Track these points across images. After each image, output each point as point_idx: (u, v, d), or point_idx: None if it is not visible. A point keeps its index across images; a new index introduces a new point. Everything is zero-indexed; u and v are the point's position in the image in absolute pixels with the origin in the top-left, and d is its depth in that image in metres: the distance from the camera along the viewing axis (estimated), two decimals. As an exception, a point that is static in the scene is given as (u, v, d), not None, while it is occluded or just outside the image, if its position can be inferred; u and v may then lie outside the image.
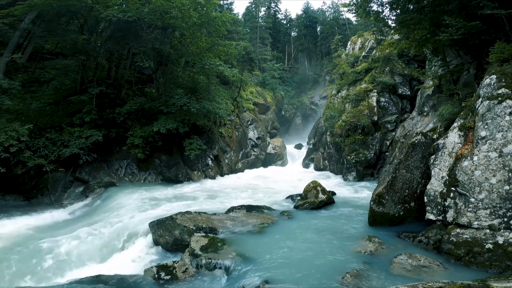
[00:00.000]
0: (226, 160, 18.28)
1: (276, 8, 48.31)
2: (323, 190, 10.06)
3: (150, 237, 7.25)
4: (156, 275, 5.41)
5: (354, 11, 11.95)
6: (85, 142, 12.19)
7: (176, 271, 5.47)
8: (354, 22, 42.46)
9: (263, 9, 45.00)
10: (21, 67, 14.15)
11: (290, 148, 26.54)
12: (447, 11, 8.86)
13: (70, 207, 10.86)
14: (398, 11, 11.01)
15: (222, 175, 17.17)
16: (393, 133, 16.33)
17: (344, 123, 16.90)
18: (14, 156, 10.60)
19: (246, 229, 7.25)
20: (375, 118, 16.67)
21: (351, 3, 11.49)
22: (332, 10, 46.95)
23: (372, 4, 11.39)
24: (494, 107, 5.88)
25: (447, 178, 6.18)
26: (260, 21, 41.70)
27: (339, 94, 20.37)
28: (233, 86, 23.33)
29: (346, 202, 10.44)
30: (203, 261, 5.61)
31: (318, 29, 47.89)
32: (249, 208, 8.91)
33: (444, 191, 6.14)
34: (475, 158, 5.80)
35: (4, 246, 7.09)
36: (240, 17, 42.08)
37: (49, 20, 13.39)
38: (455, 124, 6.95)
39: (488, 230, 5.35)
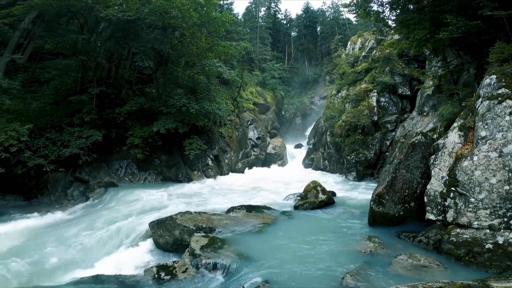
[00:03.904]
0: (226, 160, 18.27)
1: (276, 8, 48.35)
2: (323, 190, 10.06)
3: (150, 237, 7.25)
4: (156, 275, 5.41)
5: (354, 11, 11.93)
6: (85, 142, 12.19)
7: (176, 271, 5.46)
8: (354, 22, 42.47)
9: (263, 9, 45.00)
10: (21, 67, 14.14)
11: (290, 148, 26.53)
12: (447, 10, 8.86)
13: (70, 207, 10.86)
14: (398, 11, 11.01)
15: (222, 175, 17.16)
16: (393, 133, 16.33)
17: (344, 123, 16.91)
18: (14, 156, 10.60)
19: (246, 229, 7.25)
20: (375, 118, 16.67)
21: (351, 3, 11.48)
22: (332, 10, 47.00)
23: (372, 4, 11.39)
24: (494, 107, 5.88)
25: (447, 178, 6.18)
26: (260, 21, 41.68)
27: (339, 94, 20.37)
28: (233, 86, 23.33)
29: (346, 202, 10.44)
30: (203, 261, 5.61)
31: (318, 29, 47.90)
32: (249, 208, 8.92)
33: (444, 191, 6.14)
34: (475, 158, 5.80)
35: (3, 246, 7.09)
36: (240, 17, 42.12)
37: (49, 20, 13.38)
38: (455, 124, 6.95)
39: (488, 230, 5.35)
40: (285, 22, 52.00)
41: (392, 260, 5.40)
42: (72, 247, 6.99)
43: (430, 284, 3.51)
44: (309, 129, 28.29)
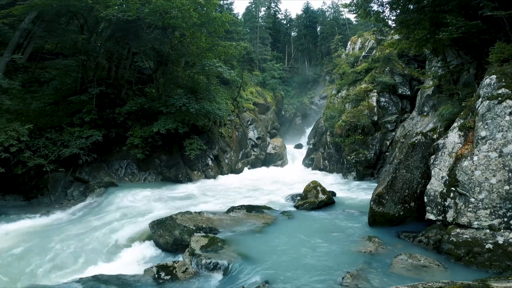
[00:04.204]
0: (226, 160, 18.27)
1: (276, 8, 48.38)
2: (323, 190, 10.06)
3: (150, 237, 7.25)
4: (156, 275, 5.41)
5: (354, 12, 11.93)
6: (85, 142, 12.19)
7: (176, 271, 5.46)
8: (354, 22, 42.48)
9: (263, 9, 45.03)
10: (21, 67, 14.14)
11: (290, 148, 26.53)
12: (447, 10, 8.86)
13: (70, 207, 10.85)
14: (398, 11, 11.01)
15: (222, 175, 17.16)
16: (393, 133, 16.33)
17: (344, 123, 16.90)
18: (14, 156, 10.60)
19: (246, 229, 7.26)
20: (375, 118, 16.67)
21: (352, 3, 11.48)
22: (332, 10, 47.03)
23: (372, 4, 11.38)
24: (494, 107, 5.88)
25: (447, 178, 6.18)
26: (260, 21, 41.69)
27: (339, 94, 20.37)
28: (233, 86, 23.33)
29: (346, 202, 10.44)
30: (203, 261, 5.61)
31: (318, 29, 47.94)
32: (249, 208, 8.91)
33: (444, 191, 6.14)
34: (475, 158, 5.80)
35: (3, 246, 7.09)
36: (240, 17, 42.15)
37: (49, 20, 13.38)
38: (455, 124, 6.95)
39: (488, 230, 5.35)
40: (285, 22, 52.03)
41: (392, 260, 5.40)
42: (72, 247, 6.99)
43: (430, 284, 3.51)
44: (309, 129, 28.29)
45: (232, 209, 8.84)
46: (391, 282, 4.63)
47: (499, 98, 5.86)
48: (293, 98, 37.95)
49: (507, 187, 5.33)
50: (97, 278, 5.41)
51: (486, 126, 5.90)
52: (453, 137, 6.61)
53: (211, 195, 12.16)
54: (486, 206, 5.46)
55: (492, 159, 5.60)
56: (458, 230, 5.68)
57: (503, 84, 6.04)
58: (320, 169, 19.78)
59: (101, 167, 13.28)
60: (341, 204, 10.03)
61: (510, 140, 5.50)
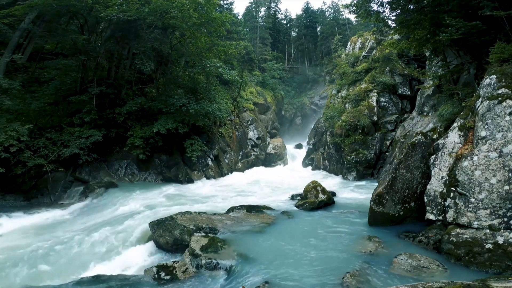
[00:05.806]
0: (226, 160, 18.27)
1: (276, 8, 48.43)
2: (323, 190, 10.06)
3: (150, 237, 7.25)
4: (156, 275, 5.41)
5: (355, 12, 11.94)
6: (85, 142, 12.20)
7: (176, 271, 5.47)
8: (354, 22, 42.49)
9: (263, 9, 45.07)
10: (21, 67, 14.14)
11: (290, 148, 26.53)
12: (447, 10, 8.86)
13: (70, 207, 10.85)
14: (398, 11, 11.02)
15: (222, 175, 17.17)
16: (393, 133, 16.32)
17: (344, 123, 16.89)
18: (14, 156, 10.60)
19: (246, 229, 7.26)
20: (375, 118, 16.67)
21: (352, 3, 11.50)
22: (332, 10, 47.10)
23: (372, 5, 11.39)
24: (494, 107, 5.88)
25: (447, 178, 6.18)
26: (260, 21, 41.73)
27: (339, 94, 20.37)
28: (233, 86, 23.34)
29: (346, 202, 10.44)
30: (203, 261, 5.61)
31: (318, 29, 47.99)
32: (249, 208, 8.91)
33: (444, 191, 6.14)
34: (475, 158, 5.80)
35: (4, 246, 7.09)
36: (240, 17, 42.18)
37: (49, 20, 13.38)
38: (455, 124, 6.95)
39: (488, 230, 5.35)
40: (285, 22, 52.07)
41: (392, 260, 5.39)
42: (72, 247, 6.99)
43: (430, 284, 3.51)
44: (309, 129, 28.30)
45: (232, 209, 8.85)
46: (391, 282, 4.63)
47: (499, 98, 5.87)
48: (293, 98, 37.96)
49: (507, 187, 5.33)
50: (97, 278, 5.42)
51: (486, 126, 5.90)
52: (453, 137, 6.62)
53: (211, 195, 12.16)
54: (486, 206, 5.46)
55: (492, 159, 5.60)
56: (458, 230, 5.68)
57: (503, 84, 6.04)
58: (320, 169, 19.77)
59: (101, 167, 13.29)
60: (341, 204, 10.03)
61: (510, 140, 5.50)
